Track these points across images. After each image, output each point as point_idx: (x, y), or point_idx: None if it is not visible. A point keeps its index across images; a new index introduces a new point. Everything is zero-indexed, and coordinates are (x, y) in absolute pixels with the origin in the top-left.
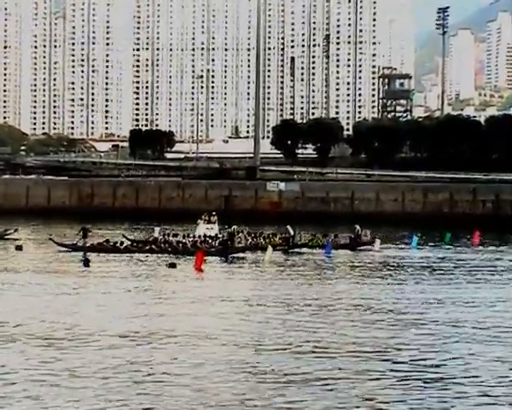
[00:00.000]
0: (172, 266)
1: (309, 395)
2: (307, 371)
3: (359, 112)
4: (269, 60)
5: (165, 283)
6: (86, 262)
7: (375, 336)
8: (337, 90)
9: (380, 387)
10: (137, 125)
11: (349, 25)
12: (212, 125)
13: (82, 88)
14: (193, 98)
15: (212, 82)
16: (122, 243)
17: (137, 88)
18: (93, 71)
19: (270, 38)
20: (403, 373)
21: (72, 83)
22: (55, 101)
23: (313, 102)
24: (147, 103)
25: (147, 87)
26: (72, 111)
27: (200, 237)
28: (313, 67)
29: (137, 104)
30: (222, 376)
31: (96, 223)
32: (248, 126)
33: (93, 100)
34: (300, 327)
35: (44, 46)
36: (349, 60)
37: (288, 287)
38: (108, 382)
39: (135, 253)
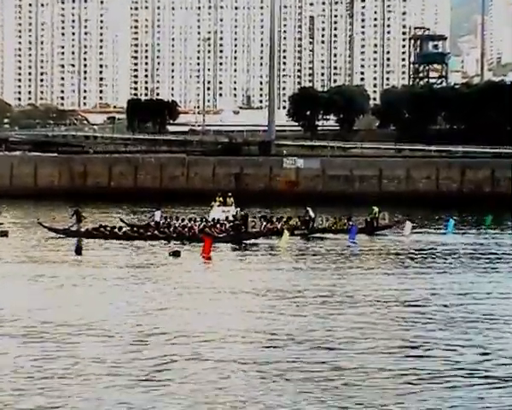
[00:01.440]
0: (176, 254)
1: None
2: (336, 371)
3: (387, 78)
4: (285, 19)
5: (166, 273)
6: (78, 250)
7: (411, 332)
8: (362, 53)
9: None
10: (136, 95)
11: None
12: (220, 95)
13: (73, 53)
14: (198, 64)
15: (221, 45)
16: (121, 228)
17: (136, 52)
18: (85, 33)
19: None
20: (443, 372)
21: (62, 47)
22: (42, 67)
23: (335, 68)
24: (146, 70)
25: (146, 51)
26: (62, 78)
27: (207, 220)
28: (335, 28)
29: (136, 71)
30: (228, 378)
31: (90, 205)
32: (261, 95)
33: (85, 66)
34: (322, 321)
35: (30, 5)
36: (376, 19)
37: (308, 277)
38: (102, 383)
39: (135, 239)
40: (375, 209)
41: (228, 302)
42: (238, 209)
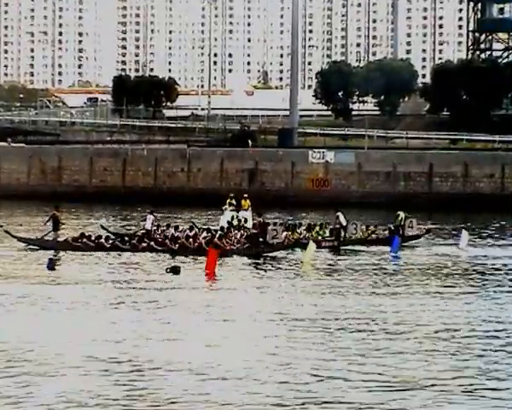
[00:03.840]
0: (175, 270)
1: None
2: None
3: (440, 51)
4: None
5: (162, 295)
6: (51, 264)
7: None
8: (408, 19)
9: None
10: (124, 71)
11: None
12: (230, 71)
13: (45, 18)
14: (203, 32)
15: (231, 8)
16: (108, 237)
17: (124, 17)
18: None
19: None
20: None
21: (32, 10)
22: (6, 36)
23: (374, 38)
24: (137, 39)
25: (137, 16)
26: (32, 50)
27: (209, 229)
28: None
29: (124, 40)
30: None
31: (66, 208)
32: (282, 72)
33: (61, 35)
34: (355, 358)
35: None
36: None
37: (338, 300)
38: None
39: (126, 251)
40: (401, 215)
41: (231, 332)
42: (234, 214)
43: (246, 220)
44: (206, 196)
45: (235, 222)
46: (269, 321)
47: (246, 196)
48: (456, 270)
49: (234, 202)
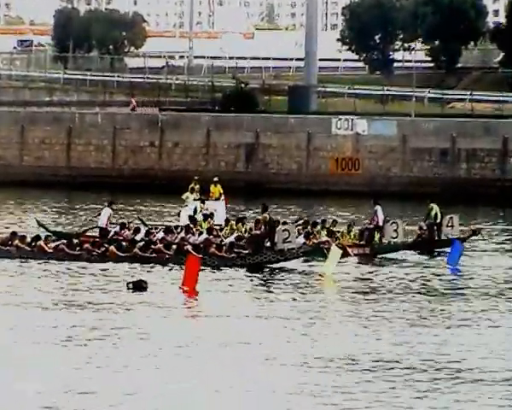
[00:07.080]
0: (139, 286)
1: None
2: None
3: None
4: None
5: (121, 319)
6: None
7: None
8: None
9: None
10: (70, 2)
11: None
12: (220, 4)
13: None
14: None
15: None
16: (49, 238)
17: None
18: None
19: None
20: None
21: None
22: None
23: None
24: None
25: None
26: None
27: (188, 228)
28: None
29: None
30: None
31: None
32: (294, 6)
33: None
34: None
35: None
36: None
37: (375, 334)
38: None
39: (74, 259)
40: (435, 209)
41: (218, 373)
42: (196, 204)
43: (212, 215)
44: (185, 180)
45: (199, 217)
46: (273, 362)
47: (216, 180)
48: None
49: (198, 187)
